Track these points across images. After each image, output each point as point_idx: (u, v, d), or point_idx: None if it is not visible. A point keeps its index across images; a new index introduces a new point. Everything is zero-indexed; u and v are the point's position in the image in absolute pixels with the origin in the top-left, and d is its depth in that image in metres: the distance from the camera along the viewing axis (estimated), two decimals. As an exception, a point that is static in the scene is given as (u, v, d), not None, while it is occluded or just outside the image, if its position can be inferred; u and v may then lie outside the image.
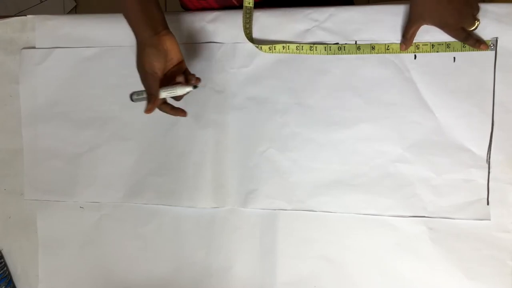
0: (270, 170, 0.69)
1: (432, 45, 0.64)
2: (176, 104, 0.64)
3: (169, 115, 0.64)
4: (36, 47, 0.75)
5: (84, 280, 0.75)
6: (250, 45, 0.68)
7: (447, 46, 0.64)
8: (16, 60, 0.75)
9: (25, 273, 0.77)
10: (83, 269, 0.75)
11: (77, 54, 0.73)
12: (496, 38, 0.63)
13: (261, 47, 0.67)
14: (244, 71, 0.69)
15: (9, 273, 0.77)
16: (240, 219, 0.70)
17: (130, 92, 0.62)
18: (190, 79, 0.62)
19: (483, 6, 0.61)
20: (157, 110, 0.71)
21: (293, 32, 0.67)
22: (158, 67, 0.60)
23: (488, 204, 0.64)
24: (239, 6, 0.68)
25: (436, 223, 0.65)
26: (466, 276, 0.64)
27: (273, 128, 0.69)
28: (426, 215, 0.65)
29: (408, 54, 0.65)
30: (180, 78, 0.61)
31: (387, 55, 0.65)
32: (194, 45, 0.70)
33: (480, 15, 0.61)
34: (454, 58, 0.64)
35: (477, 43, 0.62)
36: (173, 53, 0.61)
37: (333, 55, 0.66)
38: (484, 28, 0.62)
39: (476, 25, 0.60)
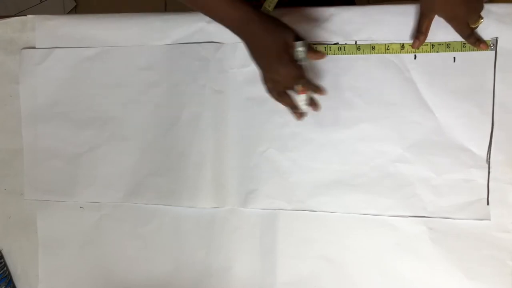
0: (270, 170, 0.69)
1: (432, 45, 0.64)
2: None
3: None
4: (36, 47, 0.75)
5: (84, 280, 0.75)
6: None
7: (447, 46, 0.64)
8: (16, 60, 0.75)
9: (25, 273, 0.77)
10: (83, 269, 0.75)
11: (77, 54, 0.73)
12: (496, 38, 0.63)
13: None
14: (244, 71, 0.69)
15: (9, 273, 0.77)
16: (240, 219, 0.70)
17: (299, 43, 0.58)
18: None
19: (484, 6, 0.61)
20: (157, 110, 0.71)
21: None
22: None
23: (488, 204, 0.64)
24: None
25: (436, 223, 0.65)
26: (466, 276, 0.64)
27: (273, 128, 0.69)
28: (426, 215, 0.65)
29: (408, 54, 0.65)
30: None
31: (387, 55, 0.65)
32: (194, 45, 0.70)
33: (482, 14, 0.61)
34: (454, 58, 0.64)
35: (478, 42, 0.62)
36: None
37: (333, 55, 0.66)
38: (484, 28, 0.62)
39: (480, 22, 0.60)
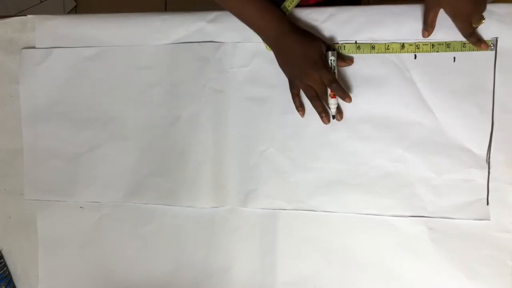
0: (270, 169, 0.69)
1: (432, 45, 0.64)
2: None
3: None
4: (36, 47, 0.75)
5: (84, 280, 0.75)
6: (250, 44, 0.68)
7: (447, 46, 0.64)
8: (16, 60, 0.75)
9: (25, 273, 0.77)
10: (83, 269, 0.75)
11: (77, 54, 0.73)
12: (496, 38, 0.63)
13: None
14: (244, 70, 0.69)
15: (9, 273, 0.77)
16: (240, 219, 0.70)
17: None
18: None
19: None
20: (157, 110, 0.71)
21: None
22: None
23: (488, 204, 0.64)
24: None
25: (436, 223, 0.65)
26: (466, 276, 0.64)
27: (273, 128, 0.69)
28: (426, 215, 0.65)
29: (408, 54, 0.65)
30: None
31: (387, 55, 0.65)
32: (194, 45, 0.70)
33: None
34: (454, 58, 0.64)
35: (479, 41, 0.62)
36: None
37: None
38: (485, 28, 0.62)
39: (481, 22, 0.60)
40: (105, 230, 0.74)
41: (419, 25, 0.64)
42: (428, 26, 0.63)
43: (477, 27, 0.61)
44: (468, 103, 0.64)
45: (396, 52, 0.65)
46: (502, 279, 0.64)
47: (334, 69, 0.63)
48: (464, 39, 0.63)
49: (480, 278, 0.64)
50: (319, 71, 0.62)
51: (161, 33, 0.71)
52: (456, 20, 0.62)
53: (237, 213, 0.70)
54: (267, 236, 0.69)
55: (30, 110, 0.75)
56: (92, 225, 0.74)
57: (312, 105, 0.65)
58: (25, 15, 0.75)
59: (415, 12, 0.64)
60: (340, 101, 0.65)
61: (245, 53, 0.69)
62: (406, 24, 0.64)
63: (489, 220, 0.64)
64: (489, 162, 0.64)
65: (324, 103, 0.65)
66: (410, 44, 0.64)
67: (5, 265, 0.77)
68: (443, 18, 0.62)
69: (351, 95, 0.63)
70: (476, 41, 0.62)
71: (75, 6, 1.59)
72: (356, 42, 0.66)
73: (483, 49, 0.62)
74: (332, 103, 0.64)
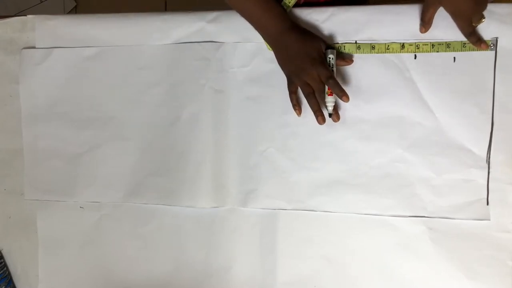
0: (270, 169, 0.69)
1: (432, 44, 0.64)
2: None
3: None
4: (36, 47, 0.75)
5: (84, 280, 0.75)
6: (250, 44, 0.68)
7: (447, 46, 0.64)
8: (16, 60, 0.75)
9: (25, 273, 0.77)
10: (83, 269, 0.75)
11: (77, 54, 0.73)
12: (496, 38, 0.63)
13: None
14: (244, 70, 0.69)
15: (9, 273, 0.77)
16: (240, 219, 0.70)
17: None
18: None
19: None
20: (157, 110, 0.71)
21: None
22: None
23: (488, 204, 0.64)
24: None
25: (436, 223, 0.65)
26: (466, 276, 0.64)
27: (273, 127, 0.69)
28: (426, 215, 0.65)
29: (408, 54, 0.65)
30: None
31: (387, 55, 0.65)
32: (194, 45, 0.70)
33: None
34: (454, 58, 0.64)
35: (479, 41, 0.62)
36: None
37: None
38: (485, 28, 0.62)
39: (481, 21, 0.60)
40: (105, 230, 0.74)
41: (419, 25, 0.64)
42: (425, 23, 0.63)
43: (477, 26, 0.61)
44: (468, 103, 0.64)
45: (396, 52, 0.65)
46: (502, 279, 0.64)
47: (332, 67, 0.63)
48: (464, 39, 0.63)
49: (480, 278, 0.64)
50: (316, 67, 0.62)
51: (161, 33, 0.71)
52: (457, 19, 0.61)
53: (237, 213, 0.70)
54: (267, 236, 0.69)
55: (30, 110, 0.75)
56: (92, 225, 0.74)
57: (308, 103, 0.65)
58: (25, 15, 0.75)
59: (415, 12, 0.64)
60: (340, 102, 0.64)
61: (245, 53, 0.69)
62: (406, 24, 0.64)
63: (489, 220, 0.64)
64: (489, 162, 0.64)
65: (321, 102, 0.65)
66: (410, 44, 0.64)
67: (5, 265, 0.77)
68: (443, 18, 0.62)
69: (351, 95, 0.63)
70: (476, 40, 0.62)
71: (75, 6, 1.59)
72: (356, 42, 0.66)
73: (483, 49, 0.62)
74: (329, 101, 0.64)
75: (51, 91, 0.74)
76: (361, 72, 0.66)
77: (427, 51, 0.64)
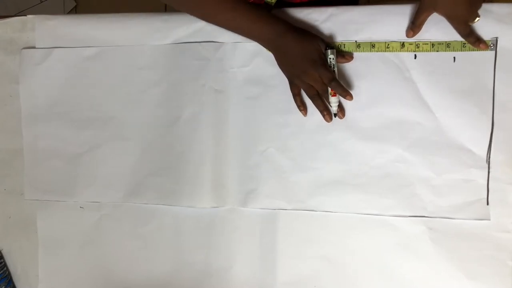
0: (270, 169, 0.69)
1: (432, 44, 0.64)
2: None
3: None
4: (36, 47, 0.75)
5: (84, 280, 0.75)
6: (250, 44, 0.68)
7: (447, 46, 0.64)
8: (16, 60, 0.75)
9: (25, 273, 0.77)
10: (83, 269, 0.75)
11: (77, 54, 0.73)
12: (496, 38, 0.63)
13: None
14: (244, 70, 0.69)
15: (9, 273, 0.77)
16: (240, 219, 0.70)
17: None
18: None
19: (483, 6, 0.61)
20: (157, 110, 0.71)
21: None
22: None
23: (488, 204, 0.64)
24: None
25: (436, 223, 0.65)
26: (466, 276, 0.64)
27: (273, 127, 0.69)
28: (426, 215, 0.65)
29: (408, 53, 0.65)
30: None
31: (387, 55, 0.65)
32: (194, 45, 0.70)
33: (480, 14, 0.61)
34: (454, 58, 0.64)
35: (478, 41, 0.62)
36: None
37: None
38: (484, 28, 0.62)
39: (477, 20, 0.60)
40: (105, 230, 0.74)
41: (406, 28, 0.64)
42: (416, 27, 0.63)
43: (473, 24, 0.61)
44: (468, 103, 0.64)
45: (396, 51, 0.65)
46: (502, 279, 0.64)
47: (333, 68, 0.63)
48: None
49: (480, 278, 0.64)
50: (318, 69, 0.62)
51: (161, 33, 0.71)
52: (452, 22, 0.62)
53: (237, 213, 0.70)
54: (267, 236, 0.69)
55: (30, 110, 0.75)
56: (92, 225, 0.74)
57: (314, 104, 0.65)
58: (25, 15, 0.75)
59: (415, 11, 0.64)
60: (341, 100, 0.65)
61: (245, 53, 0.69)
62: (406, 24, 0.64)
63: (489, 220, 0.64)
64: (489, 162, 0.64)
65: (326, 101, 0.65)
66: (410, 43, 0.64)
67: (5, 265, 0.77)
68: (443, 18, 0.62)
69: (351, 94, 0.63)
70: (475, 41, 0.62)
71: (75, 6, 1.59)
72: (356, 42, 0.66)
73: (482, 49, 0.62)
74: (333, 101, 0.64)
75: (51, 91, 0.74)
76: (361, 72, 0.66)
77: (427, 51, 0.64)
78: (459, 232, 0.64)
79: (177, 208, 0.72)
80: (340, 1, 0.69)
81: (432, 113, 0.65)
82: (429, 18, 0.62)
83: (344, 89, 0.62)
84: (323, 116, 0.65)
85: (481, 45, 0.62)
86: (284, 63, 0.65)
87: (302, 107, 0.67)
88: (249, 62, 0.69)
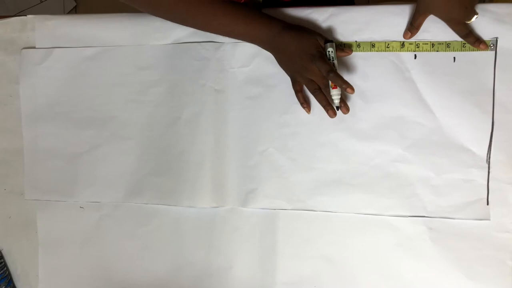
0: (270, 169, 0.69)
1: (432, 44, 0.64)
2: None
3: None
4: (36, 47, 0.75)
5: (84, 280, 0.75)
6: (250, 44, 0.68)
7: (447, 46, 0.64)
8: (16, 60, 0.75)
9: (25, 273, 0.77)
10: (83, 269, 0.75)
11: (77, 54, 0.73)
12: (496, 38, 0.63)
13: None
14: (244, 70, 0.69)
15: (9, 273, 0.77)
16: (240, 218, 0.70)
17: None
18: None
19: (483, 6, 0.61)
20: (157, 110, 0.71)
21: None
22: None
23: (488, 204, 0.64)
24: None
25: (436, 223, 0.65)
26: (466, 276, 0.64)
27: (273, 127, 0.69)
28: (426, 215, 0.65)
29: (408, 53, 0.65)
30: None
31: (387, 54, 0.65)
32: (194, 45, 0.70)
33: (480, 15, 0.61)
34: (454, 58, 0.64)
35: (477, 42, 0.62)
36: None
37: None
38: (484, 28, 0.62)
39: (475, 17, 0.60)
40: (105, 230, 0.74)
41: (404, 30, 0.64)
42: (414, 28, 0.63)
43: (470, 22, 0.61)
44: (468, 103, 0.64)
45: (396, 50, 0.65)
46: (502, 279, 0.64)
47: (333, 61, 0.63)
48: (464, 39, 0.63)
49: (480, 278, 0.64)
50: (316, 62, 0.61)
51: (161, 33, 0.71)
52: (450, 24, 0.62)
53: (237, 213, 0.70)
54: (267, 236, 0.69)
55: (30, 110, 0.75)
56: (92, 225, 0.74)
57: (316, 99, 0.65)
58: (25, 15, 0.75)
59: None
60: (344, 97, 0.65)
61: (245, 53, 0.69)
62: (406, 24, 0.64)
63: (489, 220, 0.64)
64: (489, 162, 0.64)
65: (328, 96, 0.64)
66: (410, 43, 0.64)
67: (5, 265, 0.77)
68: (443, 18, 0.62)
69: (351, 94, 0.63)
70: (474, 41, 0.62)
71: (75, 6, 1.59)
72: (356, 42, 0.66)
73: (482, 49, 0.62)
74: (335, 93, 0.63)
75: (51, 91, 0.74)
76: (361, 72, 0.66)
77: (427, 50, 0.64)
78: (459, 232, 0.64)
79: (177, 208, 0.72)
80: (333, 1, 0.69)
81: (432, 113, 0.65)
82: (429, 18, 0.62)
83: (344, 80, 0.61)
84: (327, 111, 0.64)
85: (481, 45, 0.62)
86: (283, 62, 0.65)
87: (305, 103, 0.66)
88: (249, 62, 0.69)
